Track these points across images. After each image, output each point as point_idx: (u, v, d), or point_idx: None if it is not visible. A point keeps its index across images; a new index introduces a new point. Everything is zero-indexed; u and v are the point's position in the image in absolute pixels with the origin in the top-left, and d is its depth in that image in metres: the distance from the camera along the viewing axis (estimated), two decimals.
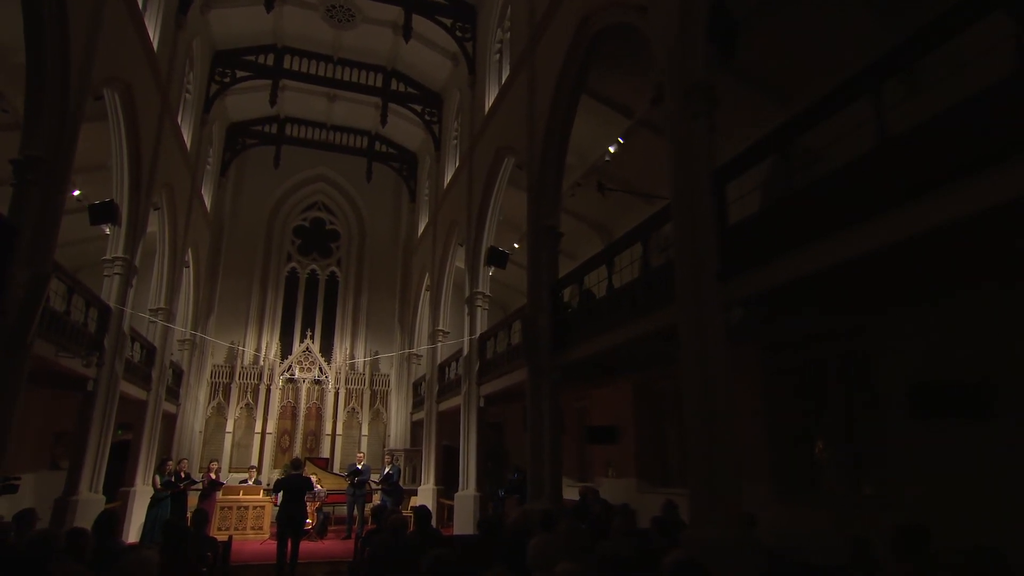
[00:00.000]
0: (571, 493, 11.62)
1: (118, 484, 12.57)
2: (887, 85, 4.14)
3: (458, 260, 16.13)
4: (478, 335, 13.40)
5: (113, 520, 6.02)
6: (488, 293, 13.89)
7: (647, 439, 11.41)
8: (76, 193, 11.90)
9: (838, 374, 7.29)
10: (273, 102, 17.45)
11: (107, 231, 11.34)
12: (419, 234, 21.00)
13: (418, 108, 18.97)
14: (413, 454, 17.57)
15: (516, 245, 15.15)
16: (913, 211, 3.82)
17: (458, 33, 15.65)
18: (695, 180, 5.79)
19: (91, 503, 9.84)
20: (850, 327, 6.78)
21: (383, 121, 18.64)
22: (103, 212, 10.19)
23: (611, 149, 11.13)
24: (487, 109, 14.26)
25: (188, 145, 15.24)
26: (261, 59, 17.44)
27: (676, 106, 6.10)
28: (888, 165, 4.05)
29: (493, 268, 13.56)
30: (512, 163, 12.63)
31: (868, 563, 4.52)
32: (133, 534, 11.95)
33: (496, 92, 13.92)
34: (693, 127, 5.91)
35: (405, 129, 20.52)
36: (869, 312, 6.30)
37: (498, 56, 14.50)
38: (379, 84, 18.51)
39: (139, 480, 12.74)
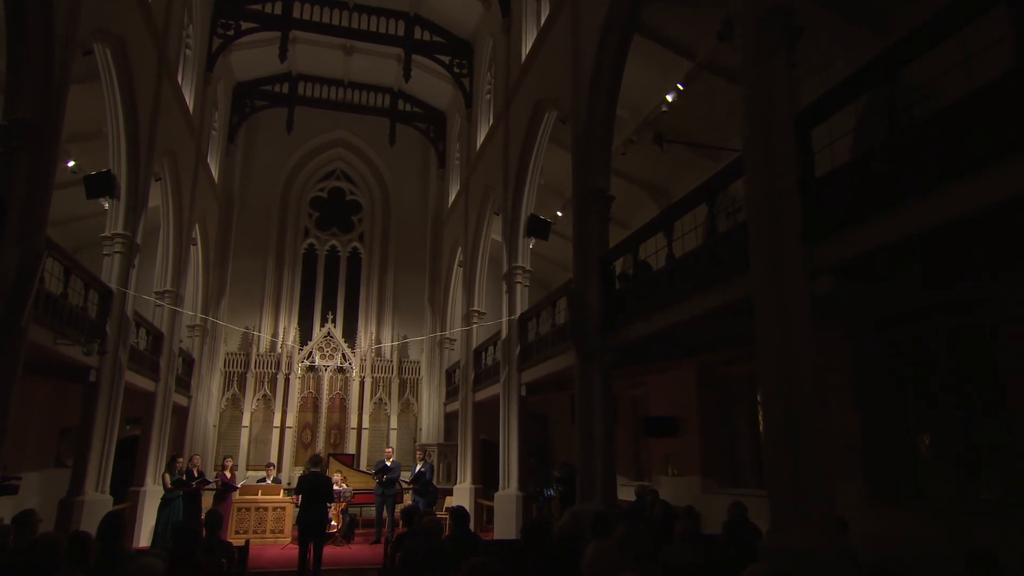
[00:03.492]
0: (626, 493, 11.53)
1: (128, 483, 12.94)
2: None
3: (494, 232, 16.06)
4: (518, 315, 13.33)
5: (119, 523, 6.11)
6: (528, 268, 13.81)
7: (713, 432, 11.28)
8: (70, 164, 12.18)
9: (950, 354, 6.95)
10: (283, 57, 17.42)
11: (105, 206, 11.52)
12: (450, 203, 20.95)
13: (446, 59, 18.77)
14: (447, 449, 17.67)
15: (559, 213, 15.04)
16: None
17: None
18: (773, 126, 5.48)
19: (98, 503, 10.13)
20: (966, 297, 6.40)
21: (406, 75, 18.49)
22: (100, 184, 10.34)
23: (669, 98, 10.93)
24: (524, 57, 14.02)
25: (191, 108, 15.39)
26: (268, 8, 17.42)
27: (749, 39, 5.78)
28: None
29: (534, 239, 13.46)
30: (554, 118, 12.42)
31: None
32: (144, 537, 12.31)
33: (534, 36, 13.63)
34: (770, 64, 5.59)
35: (432, 84, 20.36)
36: (990, 278, 5.91)
37: None
38: (401, 33, 18.35)
39: (149, 479, 13.09)
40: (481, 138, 17.53)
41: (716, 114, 10.74)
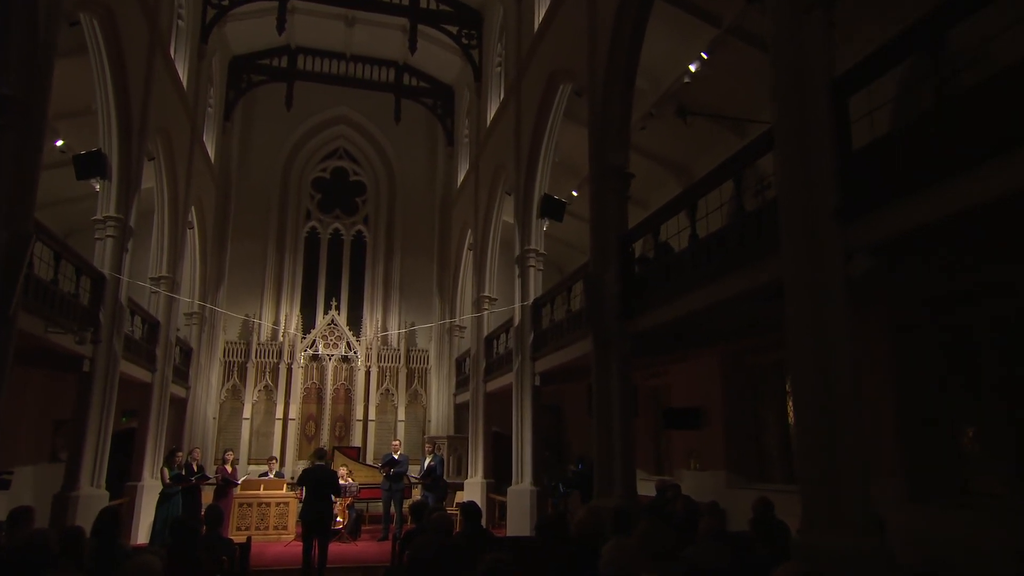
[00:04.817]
0: (646, 488, 11.51)
1: (125, 478, 13.05)
2: None
3: (506, 213, 15.99)
4: (531, 301, 13.28)
5: (115, 519, 6.14)
6: (542, 251, 13.75)
7: (738, 423, 11.24)
8: (59, 143, 12.18)
9: (997, 340, 6.82)
10: (281, 29, 17.30)
11: (96, 187, 11.52)
12: (459, 183, 20.87)
13: (453, 29, 18.60)
14: (458, 442, 17.74)
15: (575, 192, 14.93)
16: None
17: None
18: (807, 94, 5.38)
19: (93, 499, 10.21)
20: (1017, 279, 6.27)
21: (412, 47, 18.32)
22: (90, 164, 10.35)
23: (692, 68, 10.81)
24: (536, 25, 13.88)
25: (184, 83, 15.34)
26: None
27: None
28: None
29: (548, 221, 13.36)
30: (569, 91, 12.34)
31: None
32: (142, 534, 12.42)
33: (548, 2, 13.46)
34: (805, 26, 5.47)
35: (439, 57, 20.23)
36: None
37: None
38: (406, 2, 18.19)
39: (147, 473, 13.18)
40: (491, 114, 17.42)
41: (743, 85, 10.60)
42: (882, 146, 5.00)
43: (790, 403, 10.05)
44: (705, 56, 10.57)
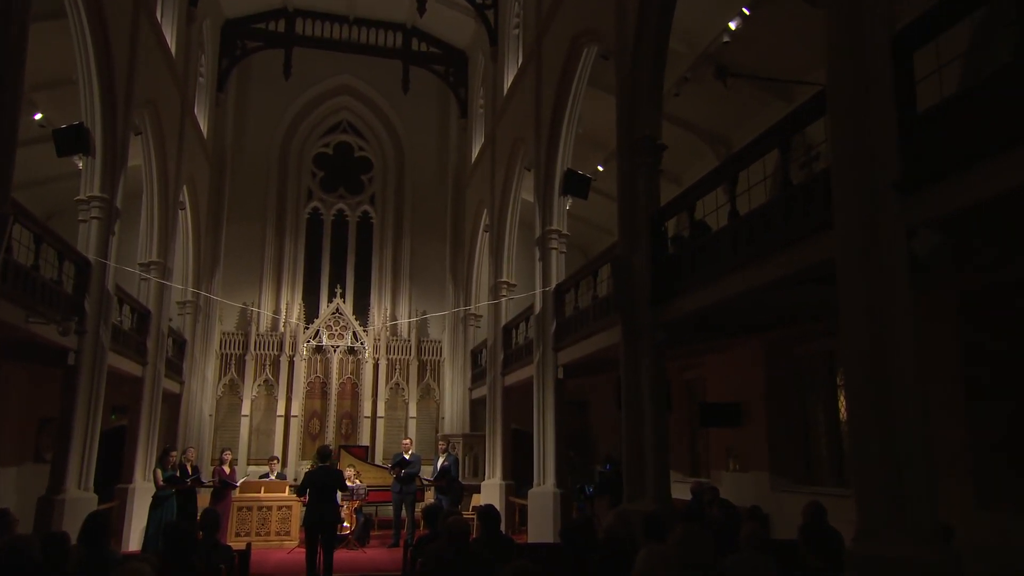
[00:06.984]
0: (680, 491, 11.47)
1: (115, 479, 13.17)
2: None
3: (525, 191, 15.94)
4: (553, 286, 13.25)
5: (104, 524, 6.17)
6: (565, 232, 13.70)
7: (783, 420, 11.21)
8: (37, 117, 12.24)
9: None
10: None
11: (79, 164, 11.56)
12: (473, 158, 20.84)
13: None
14: (474, 440, 17.80)
15: (601, 168, 14.86)
16: None
17: None
18: (865, 50, 5.26)
19: (80, 502, 10.29)
20: None
21: (421, 9, 18.19)
22: (72, 139, 10.39)
23: (732, 26, 10.71)
24: None
25: (173, 50, 15.34)
26: None
27: None
28: None
29: (571, 199, 13.33)
30: (594, 54, 12.22)
31: None
32: (134, 541, 12.55)
33: None
34: None
35: (450, 19, 20.14)
36: None
37: None
38: None
39: (138, 475, 13.31)
40: (509, 81, 17.32)
41: (790, 43, 10.49)
42: (951, 107, 4.87)
43: (842, 397, 9.97)
44: (747, 12, 10.47)
